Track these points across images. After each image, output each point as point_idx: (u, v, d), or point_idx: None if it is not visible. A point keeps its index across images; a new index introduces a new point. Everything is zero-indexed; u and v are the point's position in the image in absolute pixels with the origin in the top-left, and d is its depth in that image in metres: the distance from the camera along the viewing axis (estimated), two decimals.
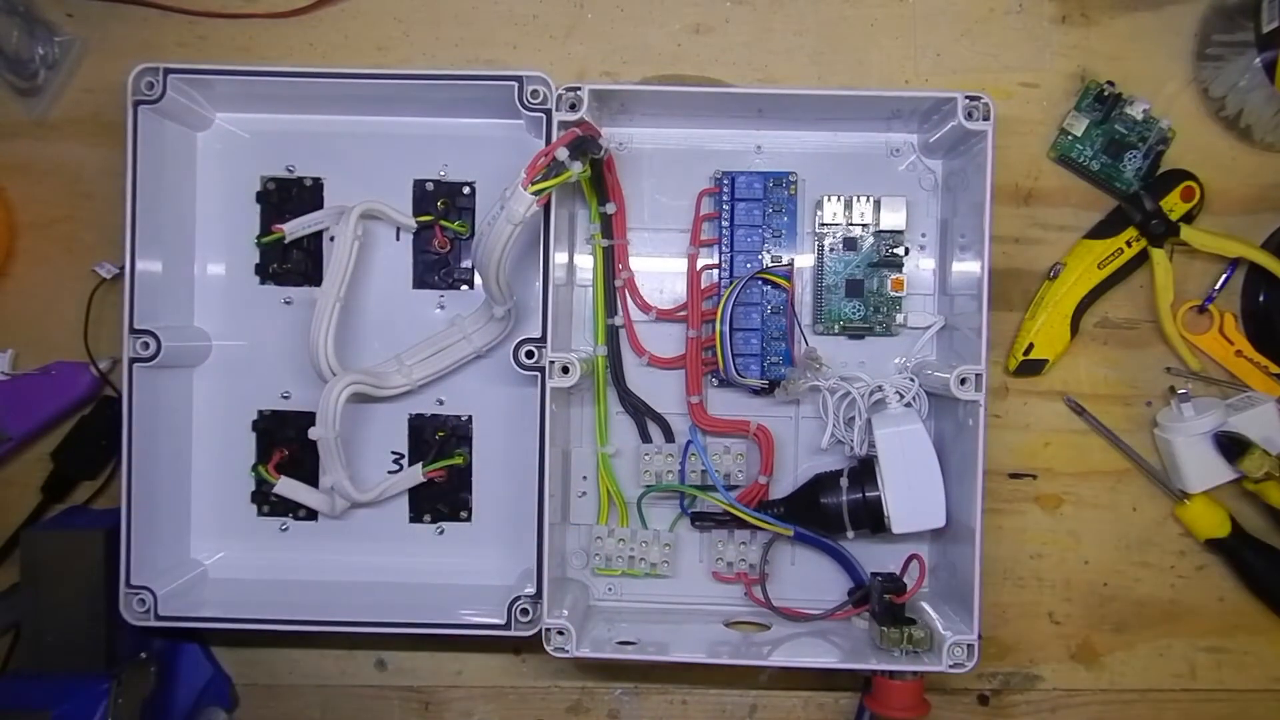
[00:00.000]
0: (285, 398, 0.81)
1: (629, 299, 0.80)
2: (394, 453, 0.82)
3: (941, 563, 0.79)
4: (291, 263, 0.81)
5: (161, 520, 0.77)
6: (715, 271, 0.79)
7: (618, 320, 0.79)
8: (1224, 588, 0.82)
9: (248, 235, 0.81)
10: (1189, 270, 0.81)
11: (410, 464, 0.81)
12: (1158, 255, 0.79)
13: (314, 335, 0.75)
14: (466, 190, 0.81)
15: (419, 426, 0.81)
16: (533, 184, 0.67)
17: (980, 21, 0.82)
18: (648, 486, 0.79)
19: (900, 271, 0.79)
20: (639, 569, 0.80)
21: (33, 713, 0.67)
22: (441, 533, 0.82)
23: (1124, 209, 0.79)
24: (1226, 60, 0.78)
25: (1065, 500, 0.82)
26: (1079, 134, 0.80)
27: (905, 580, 0.76)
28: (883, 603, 0.74)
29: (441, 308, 0.81)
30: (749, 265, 0.79)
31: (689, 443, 0.78)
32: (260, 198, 0.81)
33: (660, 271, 0.81)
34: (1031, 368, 0.80)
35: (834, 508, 0.76)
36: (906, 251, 0.80)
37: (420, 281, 0.81)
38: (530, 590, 0.74)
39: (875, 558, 0.79)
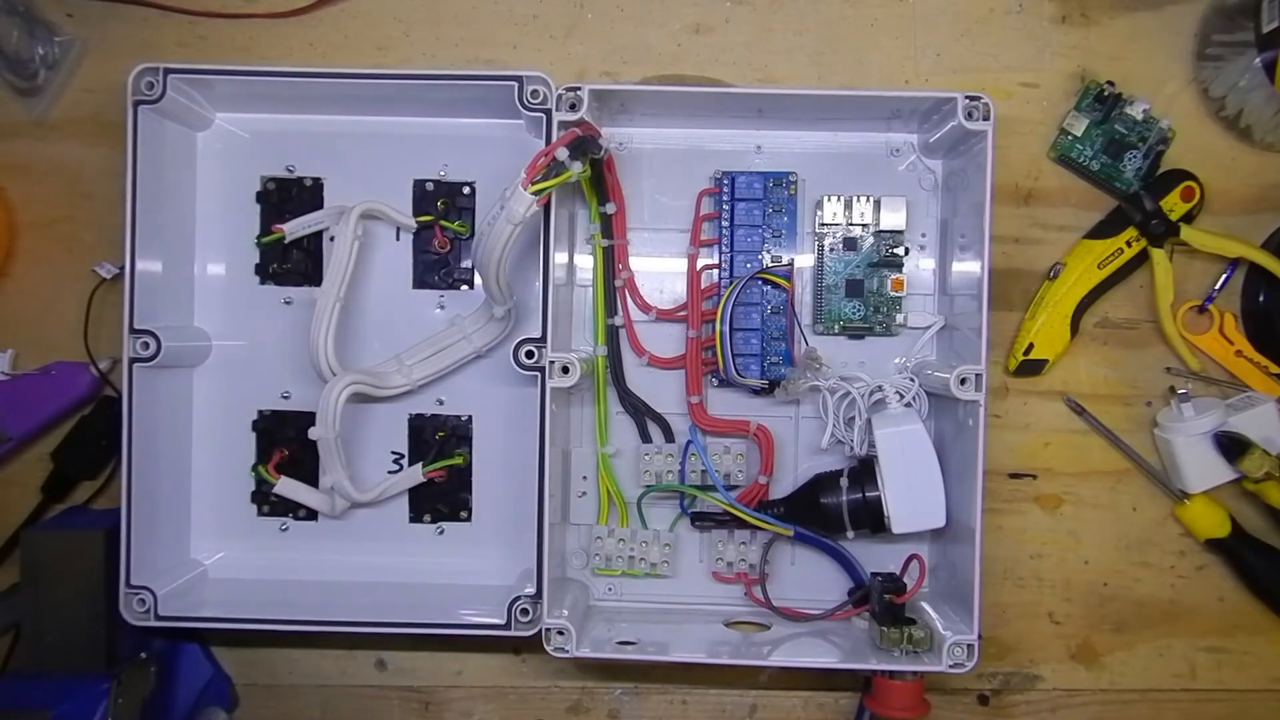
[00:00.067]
0: (285, 398, 0.81)
1: (629, 299, 0.80)
2: (394, 453, 0.82)
3: (941, 563, 0.79)
4: (291, 263, 0.81)
5: (161, 520, 0.77)
6: (715, 271, 0.80)
7: (618, 320, 0.79)
8: (1224, 588, 0.82)
9: (248, 235, 0.81)
10: (1189, 270, 0.81)
11: (410, 464, 0.81)
12: (1158, 255, 0.79)
13: (314, 335, 0.75)
14: (466, 190, 0.81)
15: (419, 426, 0.81)
16: (533, 184, 0.67)
17: (980, 21, 0.82)
18: (648, 486, 0.79)
19: (900, 271, 0.79)
20: (639, 569, 0.80)
21: (33, 713, 0.67)
22: (441, 533, 0.82)
23: (1124, 209, 0.79)
24: (1226, 60, 0.78)
25: (1065, 500, 0.82)
26: (1079, 134, 0.80)
27: (905, 580, 0.76)
28: (883, 603, 0.74)
29: (441, 308, 0.81)
30: (749, 265, 0.79)
31: (689, 443, 0.78)
32: (260, 198, 0.81)
33: (660, 271, 0.81)
34: (1031, 368, 0.80)
35: (834, 508, 0.76)
36: (906, 251, 0.80)
37: (420, 281, 0.81)
38: (530, 590, 0.74)
39: (875, 558, 0.79)
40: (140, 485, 0.74)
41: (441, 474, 0.81)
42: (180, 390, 0.80)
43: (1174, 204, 0.79)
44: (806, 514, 0.77)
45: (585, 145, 0.70)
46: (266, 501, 0.82)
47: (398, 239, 0.81)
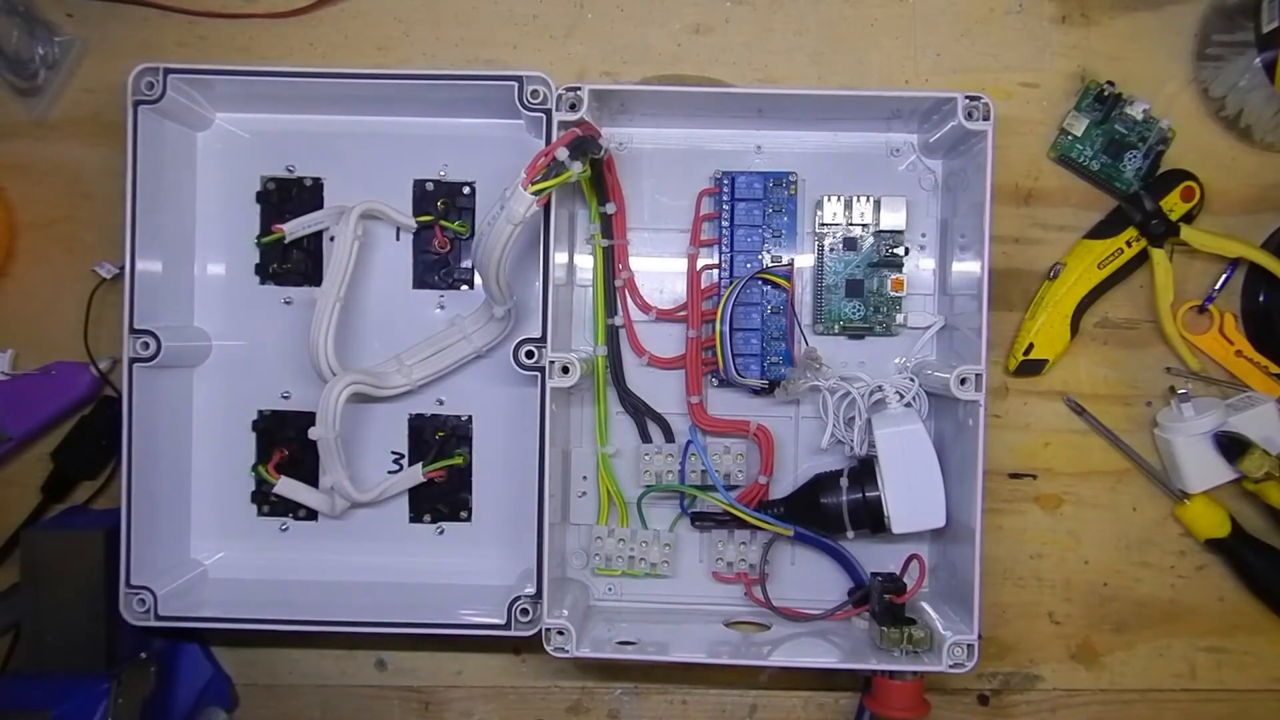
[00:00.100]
0: (285, 398, 0.81)
1: (629, 299, 0.80)
2: (394, 453, 0.82)
3: (941, 563, 0.79)
4: (291, 263, 0.81)
5: (161, 520, 0.77)
6: (715, 271, 0.79)
7: (618, 320, 0.79)
8: (1224, 588, 0.82)
9: (248, 235, 0.81)
10: (1189, 270, 0.81)
11: (410, 464, 0.81)
12: (1158, 255, 0.79)
13: (314, 335, 0.75)
14: (466, 190, 0.81)
15: (419, 426, 0.81)
16: (533, 184, 0.67)
17: (980, 21, 0.82)
18: (648, 486, 0.79)
19: (900, 271, 0.79)
20: (639, 569, 0.80)
21: (33, 713, 0.67)
22: (441, 533, 0.82)
23: (1124, 209, 0.79)
24: (1226, 60, 0.78)
25: (1065, 500, 0.82)
26: (1079, 134, 0.80)
27: (905, 580, 0.76)
28: (883, 603, 0.74)
29: (441, 308, 0.81)
30: (749, 265, 0.79)
31: (689, 443, 0.78)
32: (260, 198, 0.81)
33: (660, 271, 0.81)
34: (1031, 368, 0.80)
35: (834, 508, 0.76)
36: (906, 251, 0.80)
37: (420, 281, 0.81)
38: (530, 590, 0.74)
39: (875, 558, 0.79)
40: (140, 485, 0.74)
41: (441, 474, 0.81)
42: (180, 390, 0.80)
43: (1174, 204, 0.79)
44: (806, 514, 0.77)
45: (585, 145, 0.70)
46: (266, 501, 0.82)
47: (398, 239, 0.81)
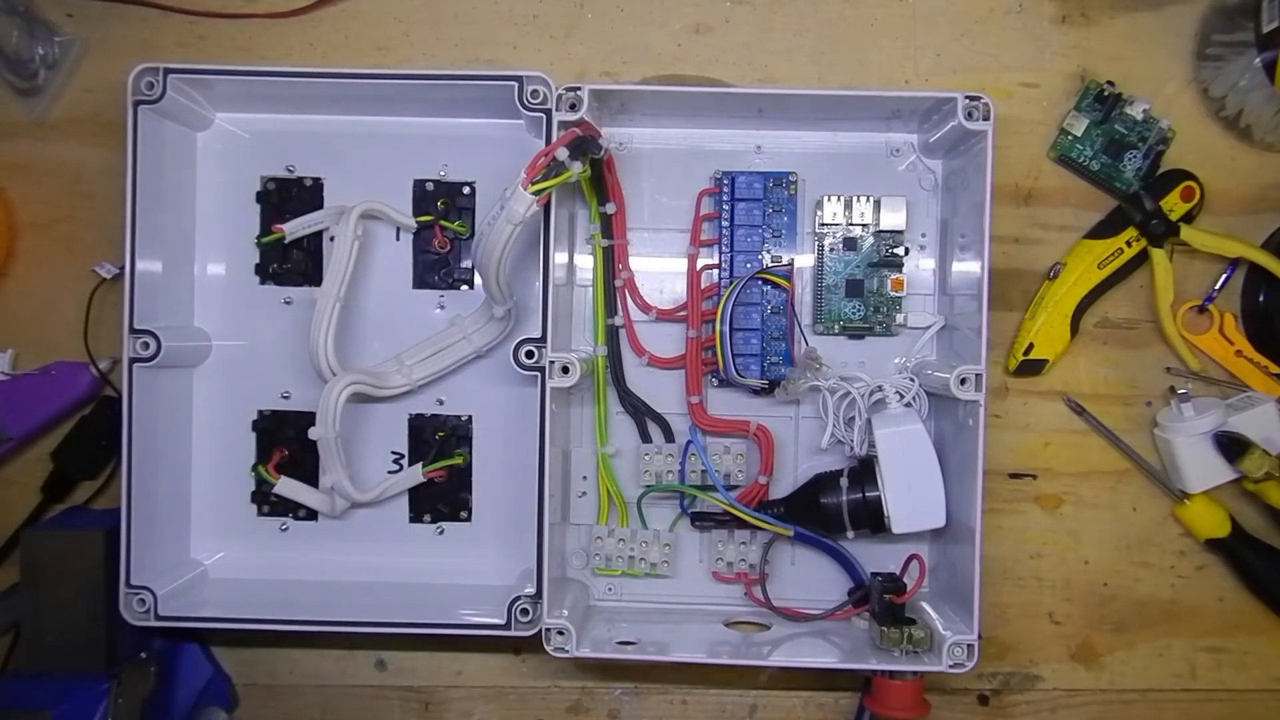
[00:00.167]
0: (285, 398, 0.81)
1: (629, 299, 0.80)
2: (394, 453, 0.82)
3: (941, 563, 0.79)
4: (291, 263, 0.81)
5: (161, 520, 0.77)
6: (715, 271, 0.79)
7: (618, 320, 0.79)
8: (1224, 588, 0.82)
9: (248, 235, 0.81)
10: (1189, 270, 0.81)
11: (410, 464, 0.81)
12: (1158, 255, 0.79)
13: (314, 335, 0.75)
14: (466, 190, 0.81)
15: (419, 426, 0.81)
16: (533, 184, 0.67)
17: (980, 21, 0.82)
18: (648, 486, 0.79)
19: (900, 271, 0.79)
20: (639, 569, 0.80)
21: (33, 713, 0.67)
22: (441, 533, 0.82)
23: (1124, 209, 0.79)
24: (1226, 60, 0.78)
25: (1065, 500, 0.82)
26: (1079, 134, 0.80)
27: (905, 580, 0.76)
28: (883, 603, 0.74)
29: (441, 308, 0.81)
30: (749, 265, 0.79)
31: (689, 443, 0.78)
32: (260, 198, 0.81)
33: (660, 271, 0.81)
34: (1031, 368, 0.80)
35: (834, 508, 0.76)
36: (906, 251, 0.80)
37: (420, 281, 0.81)
38: (530, 590, 0.74)
39: (875, 558, 0.79)
40: (140, 485, 0.74)
41: (441, 474, 0.81)
42: (180, 390, 0.80)
43: (1174, 204, 0.79)
44: (806, 514, 0.77)
45: (585, 145, 0.70)
46: (266, 501, 0.82)
47: (398, 239, 0.81)
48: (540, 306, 0.73)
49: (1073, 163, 0.81)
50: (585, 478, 0.80)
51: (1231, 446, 0.77)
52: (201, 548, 0.82)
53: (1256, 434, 0.77)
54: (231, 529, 0.82)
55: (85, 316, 0.80)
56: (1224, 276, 0.81)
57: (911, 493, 0.74)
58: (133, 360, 0.74)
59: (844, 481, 0.76)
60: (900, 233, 0.79)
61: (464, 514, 0.82)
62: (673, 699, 0.83)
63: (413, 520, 0.82)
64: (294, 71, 0.75)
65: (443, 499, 0.82)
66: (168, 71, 0.74)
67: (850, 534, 0.77)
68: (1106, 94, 0.80)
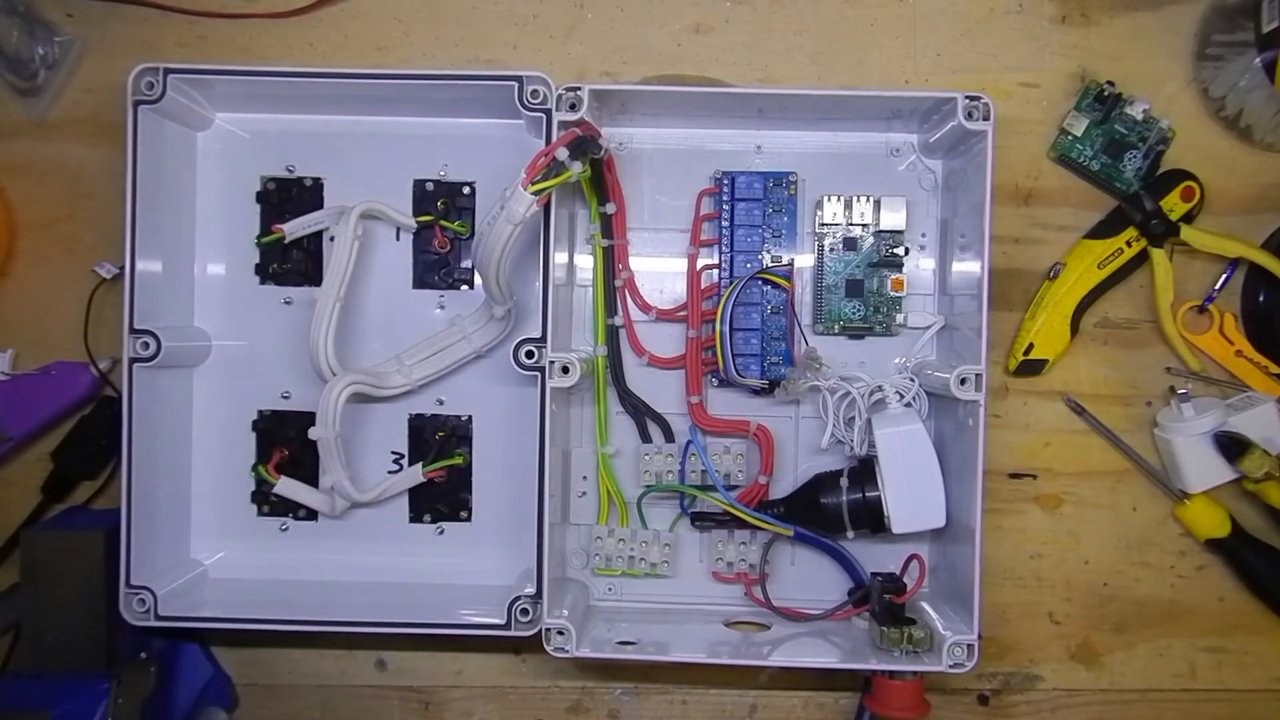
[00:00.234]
0: (285, 398, 0.81)
1: (629, 299, 0.80)
2: (394, 453, 0.82)
3: (941, 563, 0.79)
4: (291, 263, 0.81)
5: (161, 520, 0.77)
6: (715, 271, 0.79)
7: (618, 320, 0.79)
8: (1224, 588, 0.82)
9: (248, 235, 0.81)
10: (1189, 270, 0.81)
11: (410, 464, 0.81)
12: (1158, 255, 0.79)
13: (314, 335, 0.75)
14: (466, 190, 0.81)
15: (419, 426, 0.81)
16: (533, 184, 0.67)
17: (980, 21, 0.82)
18: (648, 486, 0.79)
19: (900, 271, 0.79)
20: (639, 569, 0.80)
21: (33, 713, 0.66)
22: (441, 533, 0.82)
23: (1124, 209, 0.79)
24: (1226, 60, 0.78)
25: (1065, 500, 0.82)
26: (1079, 134, 0.80)
27: (905, 580, 0.76)
28: (883, 603, 0.74)
29: (441, 308, 0.81)
30: (749, 265, 0.79)
31: (689, 443, 0.78)
32: (260, 198, 0.81)
33: (660, 271, 0.81)
34: (1031, 368, 0.80)
35: (834, 508, 0.76)
36: (906, 251, 0.80)
37: (420, 281, 0.81)
38: (530, 590, 0.74)
39: (875, 558, 0.79)
40: (140, 485, 0.74)
41: (441, 474, 0.81)
42: (180, 390, 0.80)
43: (1174, 204, 0.79)
44: (806, 514, 0.77)
45: (585, 145, 0.70)
46: (266, 501, 0.82)
47: (398, 239, 0.81)
48: (540, 306, 0.73)
49: (1073, 163, 0.81)
50: (585, 478, 0.80)
51: (1231, 446, 0.77)
52: (201, 548, 0.82)
53: (1256, 434, 0.77)
54: (231, 529, 0.82)
55: (85, 316, 0.80)
56: (1224, 276, 0.81)
57: (911, 493, 0.74)
58: (133, 360, 0.74)
59: (844, 481, 0.76)
60: (900, 233, 0.79)
61: (464, 514, 0.82)
62: (673, 699, 0.83)
63: (413, 520, 0.82)
64: (294, 71, 0.75)
65: (443, 499, 0.82)
66: (168, 71, 0.74)
67: (850, 534, 0.77)
68: (1106, 94, 0.80)
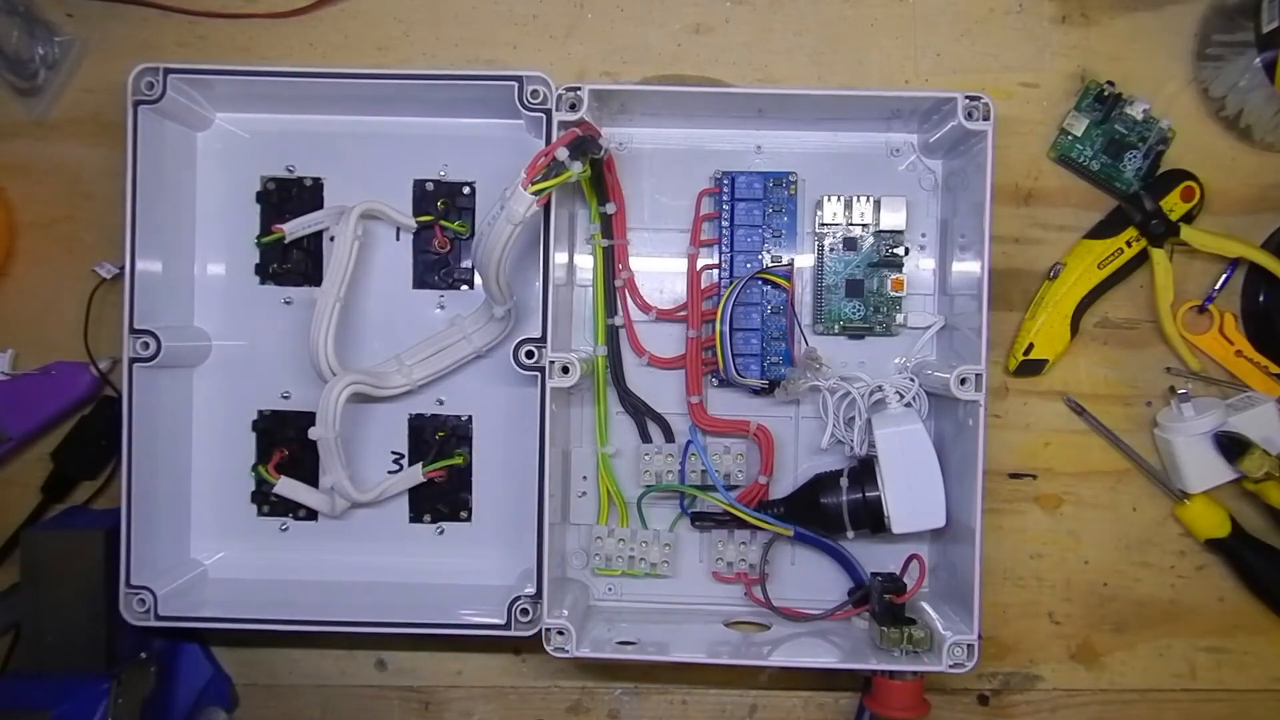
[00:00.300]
0: (285, 398, 0.81)
1: (629, 299, 0.80)
2: (394, 453, 0.82)
3: (941, 563, 0.79)
4: (291, 263, 0.81)
5: (161, 520, 0.77)
6: (715, 271, 0.79)
7: (618, 320, 0.79)
8: (1224, 588, 0.82)
9: (248, 235, 0.81)
10: (1189, 270, 0.81)
11: (410, 464, 0.81)
12: (1158, 255, 0.79)
13: (314, 335, 0.75)
14: (466, 190, 0.81)
15: (419, 426, 0.81)
16: (533, 184, 0.67)
17: (980, 21, 0.82)
18: (648, 486, 0.79)
19: (900, 271, 0.79)
20: (639, 569, 0.80)
21: (33, 713, 0.66)
22: (441, 533, 0.82)
23: (1124, 209, 0.79)
24: (1226, 60, 0.78)
25: (1065, 500, 0.82)
26: (1079, 134, 0.80)
27: (905, 580, 0.76)
28: (883, 603, 0.74)
29: (441, 308, 0.81)
30: (749, 265, 0.79)
31: (689, 443, 0.78)
32: (260, 198, 0.81)
33: (660, 271, 0.81)
34: (1031, 368, 0.80)
35: (834, 508, 0.76)
36: (906, 251, 0.80)
37: (420, 281, 0.81)
38: (530, 590, 0.74)
39: (875, 558, 0.79)
40: (140, 485, 0.74)
41: (441, 474, 0.81)
42: (180, 390, 0.80)
43: (1174, 204, 0.79)
44: (806, 514, 0.77)
45: (585, 145, 0.70)
46: (266, 501, 0.82)
47: (398, 239, 0.81)
48: (540, 306, 0.73)
49: (1073, 163, 0.81)
50: (585, 478, 0.80)
51: (1231, 446, 0.77)
52: (201, 548, 0.82)
53: (1256, 434, 0.77)
54: (231, 529, 0.82)
55: (85, 316, 0.80)
56: (1224, 276, 0.81)
57: (911, 493, 0.74)
58: (133, 360, 0.74)
59: (844, 481, 0.76)
60: (900, 233, 0.79)
61: (464, 514, 0.82)
62: (673, 699, 0.83)
63: (413, 520, 0.82)
64: (294, 71, 0.75)
65: (443, 499, 0.82)
66: (168, 71, 0.74)
67: (850, 534, 0.77)
68: (1106, 94, 0.80)
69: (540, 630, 0.72)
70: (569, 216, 0.78)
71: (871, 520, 0.75)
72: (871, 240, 0.79)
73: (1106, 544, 0.82)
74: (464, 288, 0.81)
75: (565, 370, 0.72)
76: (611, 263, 0.79)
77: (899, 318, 0.80)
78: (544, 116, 0.73)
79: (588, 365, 0.77)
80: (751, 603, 0.79)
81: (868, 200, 0.79)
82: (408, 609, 0.77)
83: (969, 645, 0.71)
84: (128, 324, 0.74)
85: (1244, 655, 0.82)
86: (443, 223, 0.81)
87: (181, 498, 0.81)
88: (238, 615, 0.76)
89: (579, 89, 0.72)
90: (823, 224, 0.79)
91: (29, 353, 0.82)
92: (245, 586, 0.80)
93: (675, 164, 0.80)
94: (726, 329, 0.76)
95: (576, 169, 0.68)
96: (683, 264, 0.80)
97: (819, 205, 0.79)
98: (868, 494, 0.75)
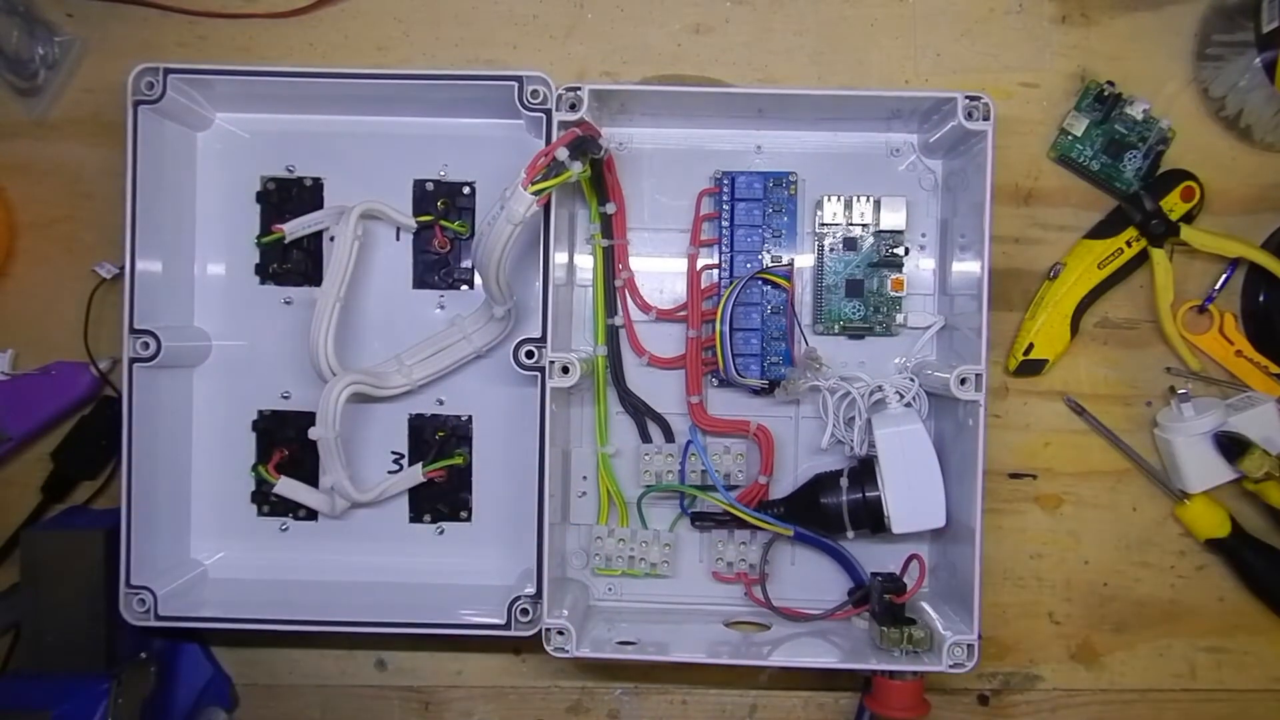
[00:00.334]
0: (285, 398, 0.81)
1: (629, 299, 0.80)
2: (394, 453, 0.82)
3: (941, 563, 0.79)
4: (291, 263, 0.81)
5: (161, 520, 0.77)
6: (715, 271, 0.79)
7: (618, 320, 0.79)
8: (1224, 588, 0.82)
9: (248, 235, 0.81)
10: (1189, 270, 0.81)
11: (410, 464, 0.81)
12: (1158, 255, 0.79)
13: (314, 335, 0.75)
14: (466, 190, 0.81)
15: (419, 426, 0.81)
16: (533, 184, 0.67)
17: (980, 21, 0.82)
18: (648, 486, 0.79)
19: (900, 271, 0.79)
20: (639, 569, 0.80)
21: (33, 713, 0.66)
22: (441, 533, 0.82)
23: (1124, 209, 0.79)
24: (1226, 60, 0.78)
25: (1065, 500, 0.82)
26: (1079, 134, 0.80)
27: (905, 580, 0.76)
28: (883, 603, 0.74)
29: (441, 308, 0.81)
30: (749, 265, 0.79)
31: (689, 443, 0.78)
32: (260, 198, 0.81)
33: (660, 271, 0.81)
34: (1031, 368, 0.80)
35: (834, 508, 0.76)
36: (906, 251, 0.80)
37: (420, 281, 0.81)
38: (530, 590, 0.74)
39: (875, 558, 0.79)
40: (140, 485, 0.74)
41: (441, 474, 0.81)
42: (180, 390, 0.80)
43: (1174, 204, 0.79)
44: (806, 514, 0.77)
45: (585, 145, 0.70)
46: (266, 501, 0.82)
47: (398, 239, 0.81)
48: (540, 306, 0.73)
49: (1073, 163, 0.81)
50: (585, 478, 0.80)
51: (1231, 446, 0.77)
52: (201, 548, 0.82)
53: (1256, 434, 0.77)
54: (231, 529, 0.82)
55: (85, 316, 0.80)
56: (1224, 276, 0.81)
57: (911, 493, 0.74)
58: (133, 360, 0.74)
59: (844, 481, 0.76)
60: (900, 233, 0.79)
61: (464, 514, 0.82)
62: (673, 699, 0.83)
63: (413, 520, 0.82)
64: (294, 71, 0.75)
65: (443, 499, 0.82)
66: (168, 71, 0.74)
67: (850, 534, 0.77)
68: (1106, 94, 0.80)
69: (540, 630, 0.72)
70: (569, 216, 0.78)
71: (871, 520, 0.75)
72: (871, 240, 0.79)
73: (1106, 544, 0.82)
74: (464, 288, 0.81)
75: (565, 370, 0.72)
76: (611, 263, 0.79)
77: (899, 318, 0.80)
78: (544, 116, 0.73)
79: (588, 365, 0.77)
80: (751, 603, 0.79)
81: (868, 200, 0.79)
82: (408, 609, 0.77)
83: (969, 645, 0.71)
84: (128, 324, 0.74)
85: (1244, 655, 0.82)
86: (443, 223, 0.81)
87: (181, 498, 0.81)
88: (238, 615, 0.76)
89: (579, 89, 0.72)
90: (823, 224, 0.79)
91: (29, 353, 0.82)
92: (245, 586, 0.80)
93: (675, 164, 0.80)
94: (726, 329, 0.76)
95: (576, 169, 0.68)
96: (683, 264, 0.80)
97: (819, 205, 0.79)
98: (868, 494, 0.75)
